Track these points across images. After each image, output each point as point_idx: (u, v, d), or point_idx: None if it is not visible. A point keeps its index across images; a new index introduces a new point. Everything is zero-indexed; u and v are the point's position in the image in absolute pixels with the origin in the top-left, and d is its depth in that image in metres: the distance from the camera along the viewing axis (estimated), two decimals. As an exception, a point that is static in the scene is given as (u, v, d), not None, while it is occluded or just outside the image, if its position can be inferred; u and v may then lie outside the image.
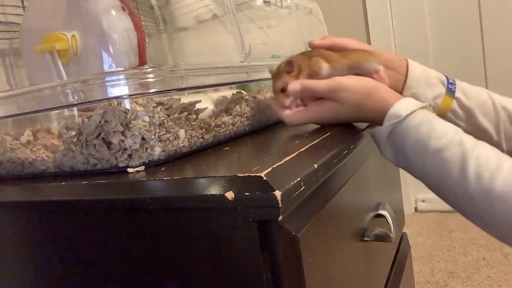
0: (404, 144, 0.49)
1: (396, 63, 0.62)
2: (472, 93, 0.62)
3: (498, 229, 0.44)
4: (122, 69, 0.48)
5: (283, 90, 0.54)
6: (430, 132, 0.47)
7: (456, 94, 0.62)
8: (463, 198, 0.45)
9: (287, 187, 0.33)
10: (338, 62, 0.57)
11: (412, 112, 0.49)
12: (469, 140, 0.47)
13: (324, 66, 0.56)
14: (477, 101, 0.62)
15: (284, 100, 0.55)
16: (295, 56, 0.58)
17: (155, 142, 0.44)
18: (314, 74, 0.55)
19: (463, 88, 0.63)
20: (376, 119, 0.52)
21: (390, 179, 0.81)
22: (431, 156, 0.47)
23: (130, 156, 0.44)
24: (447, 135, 0.47)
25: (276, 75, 0.56)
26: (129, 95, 0.44)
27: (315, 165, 0.39)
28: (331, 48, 0.61)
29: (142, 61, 0.50)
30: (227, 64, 0.61)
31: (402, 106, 0.50)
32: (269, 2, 0.87)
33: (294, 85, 0.54)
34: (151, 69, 0.47)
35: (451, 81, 0.63)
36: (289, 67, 0.55)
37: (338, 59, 0.57)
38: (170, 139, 0.46)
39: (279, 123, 0.68)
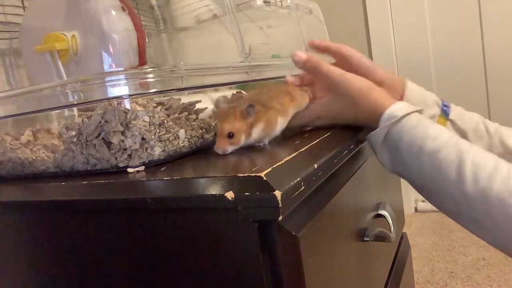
0: (400, 145, 0.49)
1: (393, 82, 0.62)
2: (466, 117, 0.63)
3: (496, 233, 0.44)
4: (122, 69, 0.48)
5: (231, 136, 0.46)
6: (426, 134, 0.48)
7: (451, 117, 0.62)
8: (460, 200, 0.45)
9: (287, 187, 0.33)
10: (287, 110, 0.53)
11: (407, 114, 0.49)
12: (464, 142, 0.47)
13: (279, 120, 0.51)
14: (470, 125, 0.62)
15: (228, 147, 0.46)
16: (254, 97, 0.52)
17: (155, 142, 0.44)
18: (268, 128, 0.50)
19: (457, 113, 0.63)
20: (370, 120, 0.52)
21: (390, 179, 0.81)
22: (427, 157, 0.47)
23: (130, 156, 0.44)
24: (442, 137, 0.47)
25: (227, 115, 0.47)
26: (129, 95, 0.44)
27: (315, 165, 0.39)
28: (331, 53, 0.62)
29: (142, 61, 0.50)
30: (227, 64, 0.61)
31: (398, 108, 0.50)
32: (269, 2, 0.87)
33: (301, 54, 0.54)
34: (151, 69, 0.47)
35: (446, 104, 0.64)
36: (249, 111, 0.47)
37: (287, 104, 0.54)
38: (170, 139, 0.46)
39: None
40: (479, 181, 0.43)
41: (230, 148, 0.47)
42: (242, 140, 0.47)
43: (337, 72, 0.54)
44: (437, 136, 0.47)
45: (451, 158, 0.45)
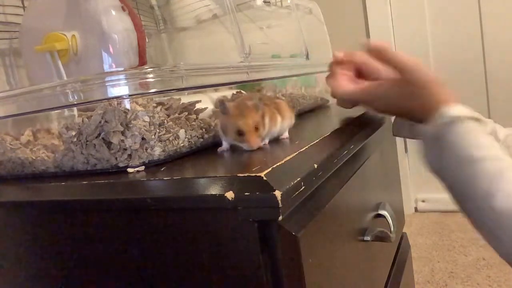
0: (445, 147, 0.48)
1: None
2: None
3: None
4: (122, 69, 0.48)
5: (257, 129, 0.47)
6: (474, 141, 0.47)
7: None
8: (487, 213, 0.44)
9: (287, 187, 0.33)
10: (282, 110, 0.55)
11: (464, 118, 0.48)
12: (509, 159, 0.46)
13: (278, 117, 0.53)
14: None
15: (259, 141, 0.48)
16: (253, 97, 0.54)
17: (155, 142, 0.44)
18: (271, 122, 0.51)
19: None
20: (424, 112, 0.52)
21: (390, 179, 0.81)
22: (466, 165, 0.46)
23: (130, 156, 0.44)
24: (489, 148, 0.46)
25: (243, 111, 0.47)
26: (129, 95, 0.44)
27: (315, 165, 0.39)
28: (354, 64, 0.62)
29: (142, 61, 0.50)
30: (227, 64, 0.61)
31: (457, 110, 0.49)
32: (269, 2, 0.87)
33: (376, 41, 0.56)
34: (151, 69, 0.47)
35: None
36: (258, 104, 0.48)
37: (285, 110, 0.55)
38: (170, 139, 0.46)
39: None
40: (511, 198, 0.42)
41: (260, 142, 0.48)
42: (264, 133, 0.49)
43: (405, 57, 0.54)
44: (484, 147, 0.46)
45: (490, 171, 0.44)
